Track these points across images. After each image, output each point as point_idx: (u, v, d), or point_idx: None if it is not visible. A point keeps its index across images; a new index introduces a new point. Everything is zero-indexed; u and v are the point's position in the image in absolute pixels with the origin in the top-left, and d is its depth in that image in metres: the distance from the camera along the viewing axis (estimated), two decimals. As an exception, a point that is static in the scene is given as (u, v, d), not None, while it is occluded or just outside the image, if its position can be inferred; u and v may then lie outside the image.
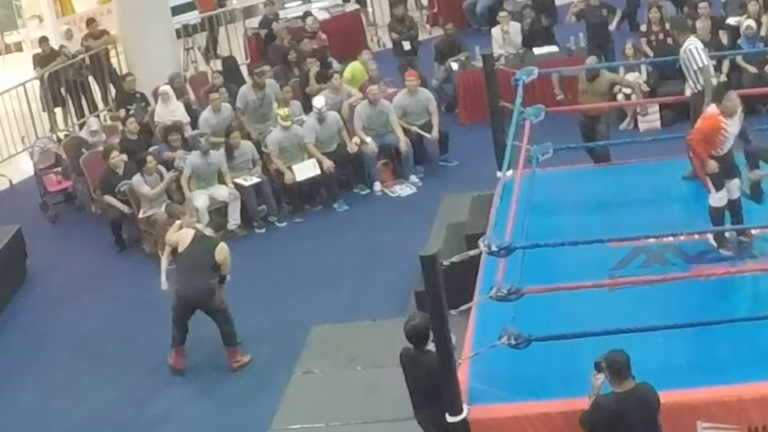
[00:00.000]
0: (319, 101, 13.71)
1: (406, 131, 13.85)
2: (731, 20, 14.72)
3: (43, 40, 17.36)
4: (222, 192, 13.13)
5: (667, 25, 14.97)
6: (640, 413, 6.98)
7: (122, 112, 15.23)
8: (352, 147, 13.68)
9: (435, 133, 13.96)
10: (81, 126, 15.76)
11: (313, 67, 15.20)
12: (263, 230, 13.26)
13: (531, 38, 15.72)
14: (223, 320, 10.50)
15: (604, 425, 7.02)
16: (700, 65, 9.83)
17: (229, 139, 13.28)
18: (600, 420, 7.02)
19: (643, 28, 15.05)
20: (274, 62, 16.16)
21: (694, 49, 9.86)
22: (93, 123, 14.84)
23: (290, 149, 13.47)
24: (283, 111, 13.53)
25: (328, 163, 13.35)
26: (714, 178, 8.86)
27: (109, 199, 13.14)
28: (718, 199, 8.96)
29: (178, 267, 10.63)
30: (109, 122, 15.70)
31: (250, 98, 14.21)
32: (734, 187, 9.04)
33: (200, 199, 12.97)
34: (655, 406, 7.02)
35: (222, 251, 10.51)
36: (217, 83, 14.91)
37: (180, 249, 10.57)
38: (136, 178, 12.84)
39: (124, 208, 13.04)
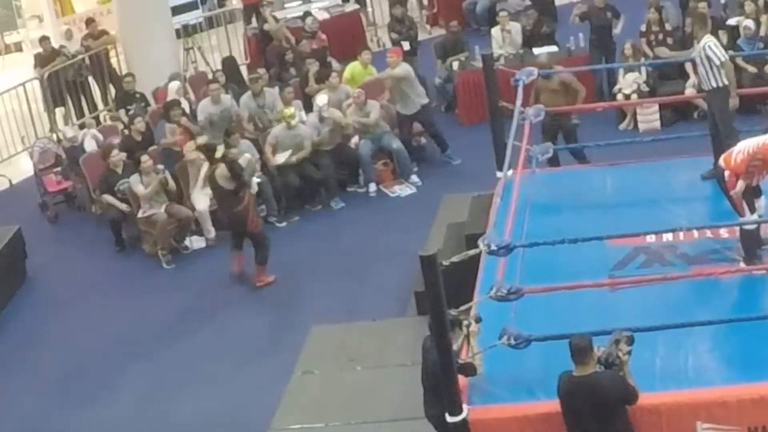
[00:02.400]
0: (321, 99, 13.74)
1: (401, 125, 13.96)
2: (731, 21, 14.70)
3: (44, 39, 17.34)
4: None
5: (667, 26, 14.99)
6: (587, 400, 7.08)
7: (122, 113, 15.23)
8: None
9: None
10: (81, 126, 15.74)
11: (313, 67, 15.20)
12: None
13: (532, 39, 15.71)
14: (257, 242, 11.76)
15: (560, 401, 7.22)
16: (722, 60, 9.90)
17: (229, 140, 13.25)
18: (559, 395, 7.22)
19: (643, 28, 15.03)
20: (272, 62, 16.17)
21: (713, 45, 9.95)
22: (67, 130, 14.85)
23: (289, 147, 13.47)
24: (288, 111, 13.55)
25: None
26: (746, 199, 8.73)
27: (108, 198, 13.13)
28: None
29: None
30: (108, 122, 15.69)
31: (250, 105, 14.17)
32: (761, 205, 8.99)
33: (201, 201, 12.98)
34: (606, 398, 7.08)
35: (221, 172, 11.48)
36: (220, 82, 14.95)
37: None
38: (133, 178, 12.84)
39: (123, 207, 13.03)
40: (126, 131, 14.30)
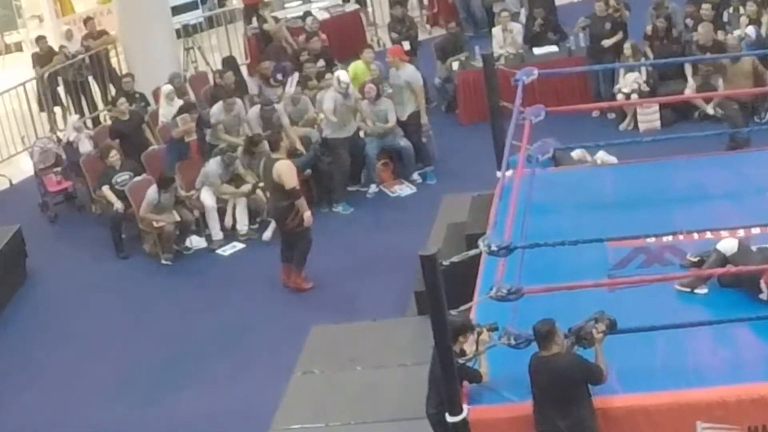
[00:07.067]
0: (344, 75, 13.66)
1: (404, 126, 13.84)
2: (734, 34, 14.55)
3: (41, 39, 17.34)
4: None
5: (674, 32, 14.90)
6: (547, 378, 7.26)
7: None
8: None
9: (423, 118, 13.86)
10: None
11: (313, 69, 15.18)
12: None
13: (537, 38, 15.70)
14: (295, 242, 11.33)
15: (530, 379, 7.40)
16: None
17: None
18: (529, 373, 7.40)
19: (648, 30, 14.92)
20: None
21: None
22: (71, 133, 14.78)
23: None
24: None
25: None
26: None
27: (105, 192, 13.11)
28: None
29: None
30: (109, 122, 15.69)
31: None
32: None
33: (209, 197, 13.00)
34: (565, 376, 7.22)
35: (276, 170, 11.06)
36: (228, 83, 14.87)
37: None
38: (151, 192, 12.64)
39: (119, 204, 12.97)
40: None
